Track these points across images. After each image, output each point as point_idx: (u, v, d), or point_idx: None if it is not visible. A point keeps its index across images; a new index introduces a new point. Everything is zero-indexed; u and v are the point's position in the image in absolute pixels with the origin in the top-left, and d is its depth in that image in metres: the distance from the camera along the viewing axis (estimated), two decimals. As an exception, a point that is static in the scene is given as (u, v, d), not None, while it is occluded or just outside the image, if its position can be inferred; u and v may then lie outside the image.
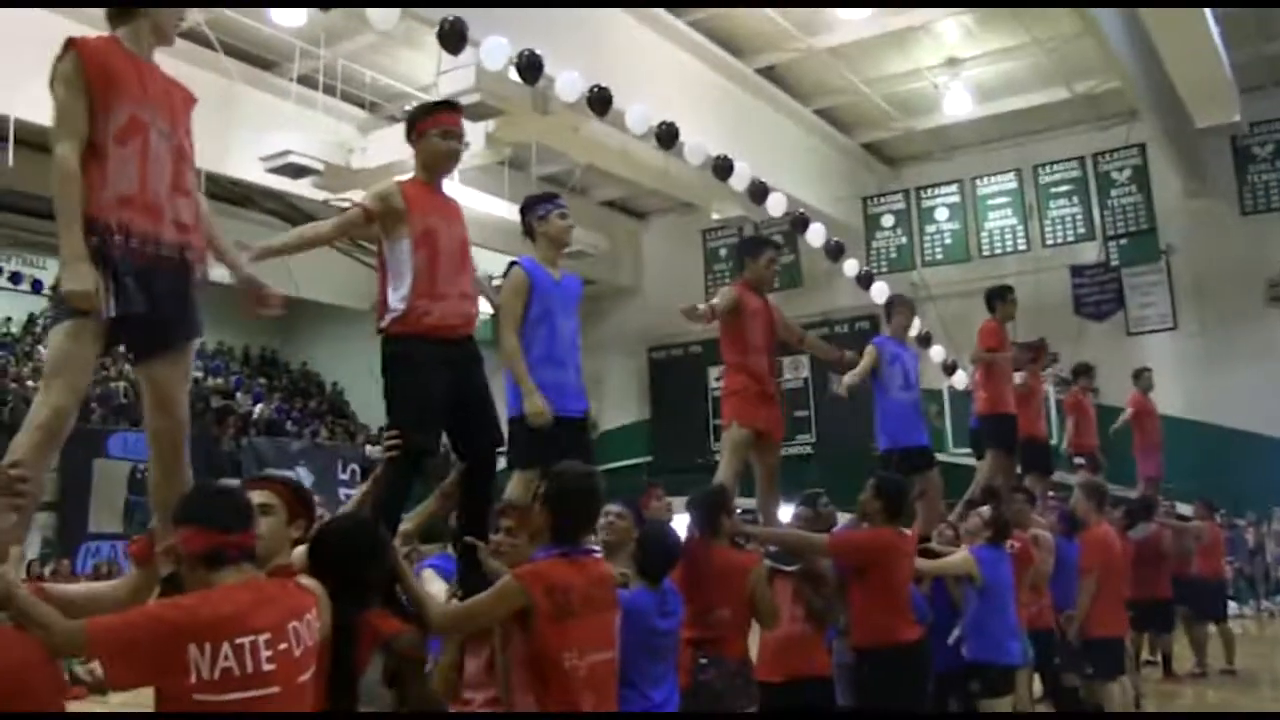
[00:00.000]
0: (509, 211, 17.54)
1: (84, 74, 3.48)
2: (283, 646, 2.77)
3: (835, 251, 16.86)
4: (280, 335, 26.36)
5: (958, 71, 16.81)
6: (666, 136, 12.84)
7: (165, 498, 3.58)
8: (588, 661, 3.69)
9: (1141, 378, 12.18)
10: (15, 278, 19.41)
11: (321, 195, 15.95)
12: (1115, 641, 7.99)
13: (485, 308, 5.27)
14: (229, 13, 14.34)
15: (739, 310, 6.52)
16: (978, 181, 18.99)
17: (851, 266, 17.23)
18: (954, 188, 19.17)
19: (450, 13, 10.45)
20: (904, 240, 19.24)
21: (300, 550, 3.85)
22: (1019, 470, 9.79)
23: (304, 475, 19.68)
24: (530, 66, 10.73)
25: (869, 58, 16.68)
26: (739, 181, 14.46)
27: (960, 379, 13.26)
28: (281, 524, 3.50)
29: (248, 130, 14.55)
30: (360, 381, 24.66)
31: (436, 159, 4.59)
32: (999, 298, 9.16)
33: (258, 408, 22.64)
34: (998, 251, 18.69)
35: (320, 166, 14.90)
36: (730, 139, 15.41)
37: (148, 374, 3.72)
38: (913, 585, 6.66)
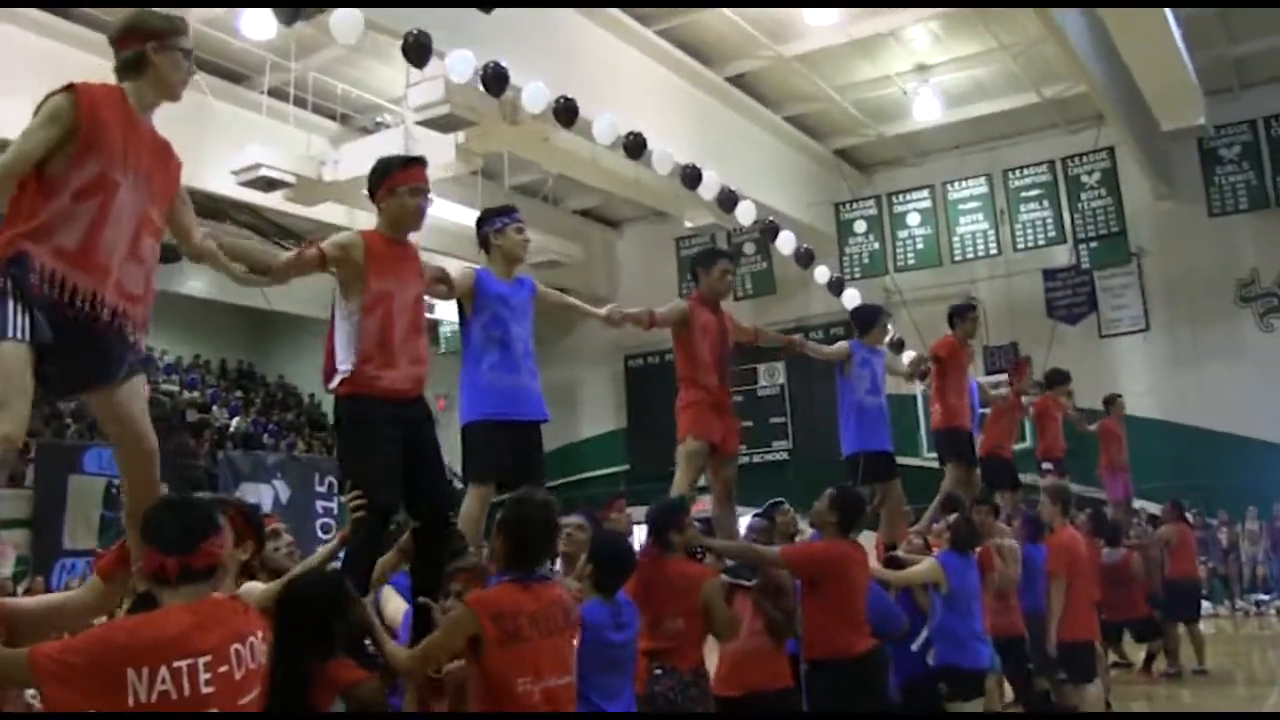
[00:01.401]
0: (482, 222, 17.64)
1: (74, 116, 3.40)
2: (223, 669, 2.77)
3: (805, 258, 16.89)
4: (257, 348, 26.26)
5: (927, 77, 16.92)
6: (634, 146, 12.87)
7: (137, 519, 3.56)
8: (542, 687, 3.70)
9: (1115, 404, 12.29)
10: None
11: (293, 208, 15.96)
12: (1087, 645, 8.02)
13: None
14: (199, 26, 14.29)
15: (689, 325, 6.46)
16: (949, 186, 19.07)
17: (823, 273, 17.26)
18: (925, 193, 19.24)
19: (415, 25, 10.46)
20: (876, 246, 19.29)
21: (260, 590, 3.88)
22: (986, 484, 9.88)
23: (281, 488, 19.61)
24: (496, 78, 10.73)
25: (838, 65, 16.75)
26: (708, 190, 14.49)
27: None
28: (229, 545, 3.52)
29: (219, 144, 14.48)
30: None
31: (406, 217, 4.46)
32: (959, 315, 9.19)
33: (234, 421, 22.54)
34: (969, 256, 18.76)
35: (292, 179, 14.87)
36: (701, 147, 15.45)
37: (97, 406, 3.66)
38: (886, 593, 6.71)
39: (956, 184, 19.03)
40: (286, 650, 3.48)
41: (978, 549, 7.22)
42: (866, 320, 8.24)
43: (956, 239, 18.78)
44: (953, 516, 7.21)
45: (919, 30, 15.82)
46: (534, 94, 11.30)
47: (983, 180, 18.80)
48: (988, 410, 10.09)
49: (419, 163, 4.60)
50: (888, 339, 8.56)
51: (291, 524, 7.94)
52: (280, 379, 25.96)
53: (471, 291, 5.24)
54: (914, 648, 6.95)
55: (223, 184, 14.84)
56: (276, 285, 4.28)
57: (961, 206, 18.89)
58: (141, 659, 2.65)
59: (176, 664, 2.68)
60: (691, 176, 14.06)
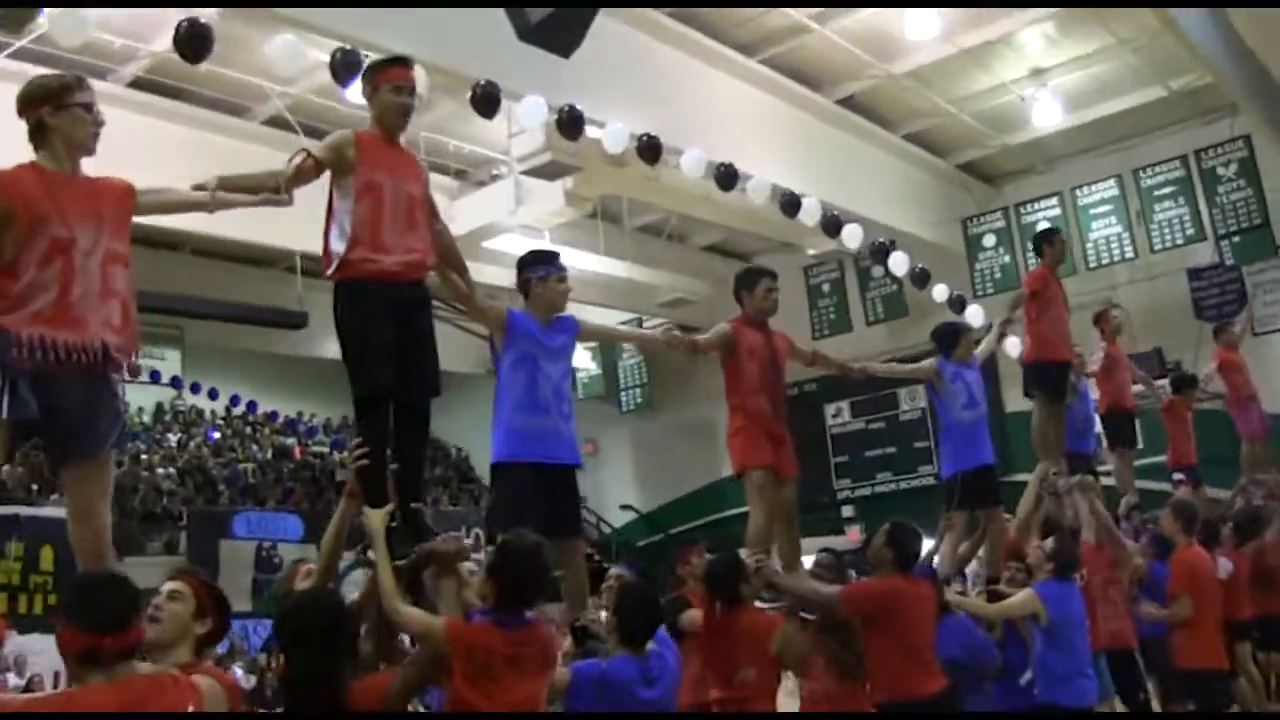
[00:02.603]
0: (605, 265, 17.66)
1: (3, 207, 3.63)
2: None
3: (921, 279, 16.45)
4: (403, 406, 26.75)
5: (1045, 81, 16.29)
6: (725, 177, 12.72)
7: None
8: None
9: (1226, 331, 11.61)
10: (133, 370, 20.27)
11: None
12: (1212, 674, 7.44)
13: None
14: (309, 95, 14.68)
15: (733, 348, 6.25)
16: (1077, 192, 18.34)
17: (941, 292, 16.77)
18: (1054, 201, 18.53)
19: (502, 73, 10.51)
20: (1007, 259, 18.62)
21: None
22: (1107, 443, 9.90)
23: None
24: (571, 121, 10.72)
25: (951, 78, 16.28)
26: (809, 216, 14.23)
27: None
28: (186, 615, 3.57)
29: (334, 208, 14.79)
30: (487, 445, 24.91)
31: (388, 114, 4.66)
32: (1046, 241, 8.81)
33: (382, 479, 22.96)
34: (1104, 261, 17.93)
35: (407, 238, 15.11)
36: (816, 173, 15.28)
37: (67, 481, 3.80)
38: (975, 626, 6.42)
39: (1085, 188, 18.28)
40: (298, 685, 3.54)
41: (1082, 574, 6.85)
42: (948, 340, 7.89)
43: (1090, 245, 18.00)
44: (1048, 542, 6.84)
45: (1031, 33, 15.26)
46: (614, 134, 11.26)
47: (1112, 182, 18.00)
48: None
49: (401, 62, 4.79)
50: (978, 350, 8.16)
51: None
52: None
53: (502, 326, 5.20)
54: (1021, 683, 6.62)
55: (342, 247, 15.13)
56: (287, 204, 4.40)
57: (1092, 211, 18.13)
58: None
59: None
60: (790, 204, 13.81)
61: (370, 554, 4.16)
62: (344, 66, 9.34)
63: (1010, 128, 17.93)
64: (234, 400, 23.35)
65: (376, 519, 4.16)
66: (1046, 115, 16.75)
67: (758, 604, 5.61)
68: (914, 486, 20.14)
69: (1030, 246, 18.10)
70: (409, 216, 4.55)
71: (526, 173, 14.46)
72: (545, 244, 16.03)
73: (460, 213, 15.93)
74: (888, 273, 19.09)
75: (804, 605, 5.50)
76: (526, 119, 10.88)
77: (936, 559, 7.30)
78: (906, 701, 5.22)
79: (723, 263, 22.36)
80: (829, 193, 15.47)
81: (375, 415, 4.44)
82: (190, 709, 2.94)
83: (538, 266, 5.42)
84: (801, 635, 5.39)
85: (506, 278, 7.66)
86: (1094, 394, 10.01)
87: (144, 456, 19.90)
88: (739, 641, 5.10)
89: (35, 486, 16.32)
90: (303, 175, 4.41)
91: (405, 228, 4.51)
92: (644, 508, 23.54)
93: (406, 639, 4.26)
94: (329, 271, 4.49)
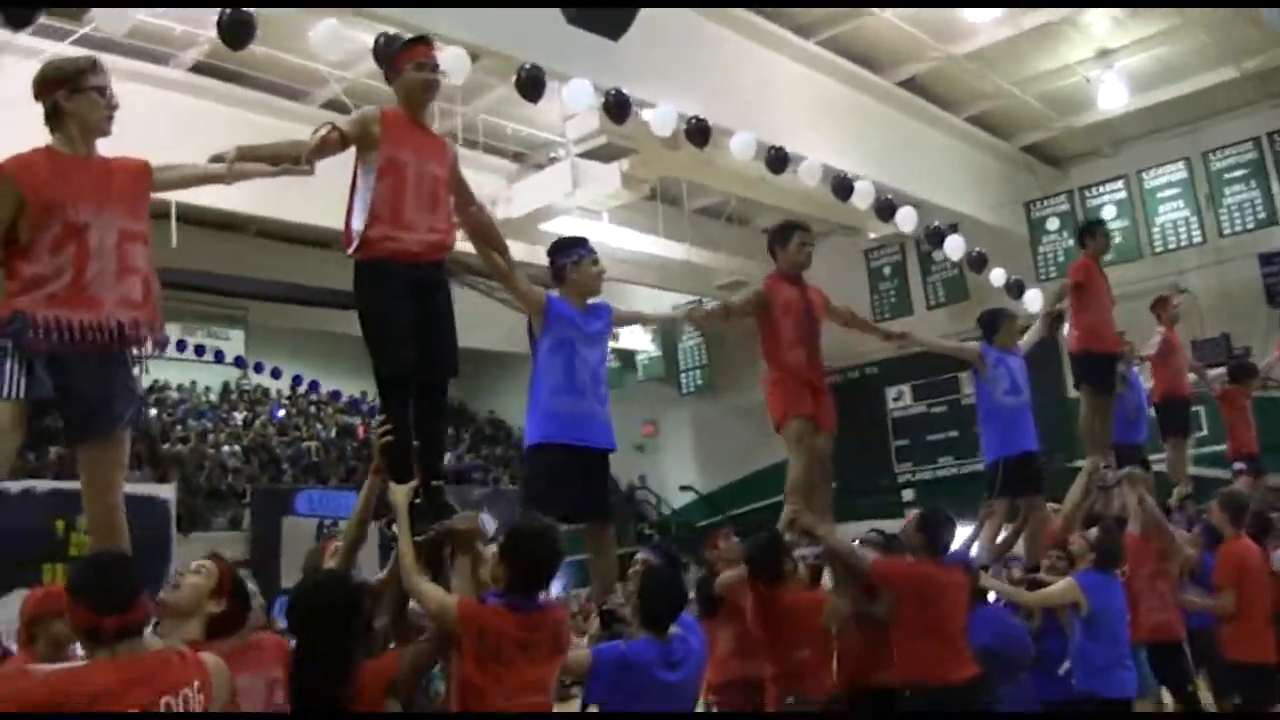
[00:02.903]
0: (663, 248, 17.64)
1: (16, 192, 3.68)
2: None
3: (978, 262, 16.25)
4: (466, 386, 26.86)
5: (1111, 62, 15.93)
6: (776, 160, 12.62)
7: None
8: (516, 703, 3.74)
9: None
10: (200, 350, 20.61)
11: (471, 248, 16.29)
12: (1261, 667, 7.29)
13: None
14: (365, 79, 14.79)
15: (767, 305, 6.25)
16: (1144, 175, 17.97)
17: (998, 276, 16.57)
18: (1120, 184, 18.17)
19: (558, 57, 10.53)
20: (1071, 243, 18.21)
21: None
22: (1160, 432, 9.72)
23: (486, 521, 20.02)
24: (618, 105, 10.71)
25: (1014, 59, 16.03)
26: (862, 199, 14.09)
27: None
28: (205, 589, 3.68)
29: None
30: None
31: (414, 90, 4.67)
32: (1088, 234, 8.81)
33: (447, 458, 23.11)
34: (1171, 246, 17.59)
35: (467, 221, 15.19)
36: (874, 156, 15.14)
37: (82, 459, 3.86)
38: (1009, 616, 6.38)
39: (1152, 171, 17.91)
40: (309, 665, 3.61)
41: (1124, 570, 6.75)
42: (990, 324, 7.82)
43: (1156, 229, 17.68)
44: (1092, 531, 6.75)
45: (1096, 14, 14.95)
46: (662, 116, 11.22)
47: (1180, 165, 17.62)
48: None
49: (421, 41, 4.85)
50: (1023, 341, 8.06)
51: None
52: (490, 414, 26.55)
53: (541, 310, 5.24)
54: (1060, 672, 6.55)
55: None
56: (308, 175, 4.41)
57: (1159, 195, 17.78)
58: (64, 711, 2.72)
59: None
60: (842, 186, 13.69)
61: (393, 528, 4.23)
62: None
63: (1075, 109, 17.58)
64: (297, 380, 23.65)
65: (401, 494, 4.23)
66: (1112, 97, 16.38)
67: (798, 552, 5.67)
68: (975, 471, 19.84)
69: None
70: (432, 197, 4.57)
71: (583, 155, 14.46)
72: (603, 226, 16.11)
73: (518, 195, 16.02)
74: (948, 256, 18.94)
75: (839, 561, 5.50)
76: (574, 102, 10.88)
77: (975, 546, 7.21)
78: (938, 687, 5.21)
79: (784, 245, 22.24)
80: (889, 175, 15.36)
81: (399, 394, 4.50)
82: (195, 684, 2.99)
83: (570, 251, 5.49)
84: (844, 602, 5.42)
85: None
86: (1148, 382, 9.84)
87: (210, 435, 20.25)
88: (788, 620, 5.16)
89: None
90: (327, 147, 4.42)
91: (428, 208, 4.54)
92: (704, 489, 23.54)
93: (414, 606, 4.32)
94: (349, 250, 4.50)
